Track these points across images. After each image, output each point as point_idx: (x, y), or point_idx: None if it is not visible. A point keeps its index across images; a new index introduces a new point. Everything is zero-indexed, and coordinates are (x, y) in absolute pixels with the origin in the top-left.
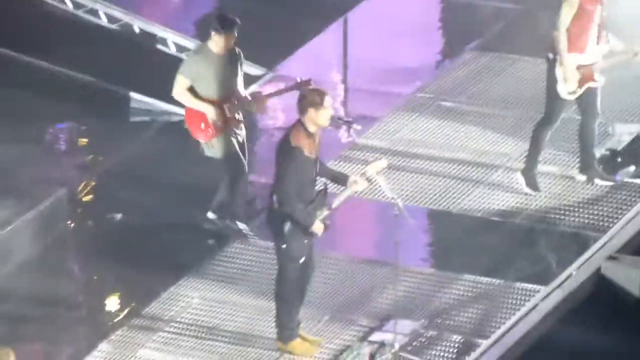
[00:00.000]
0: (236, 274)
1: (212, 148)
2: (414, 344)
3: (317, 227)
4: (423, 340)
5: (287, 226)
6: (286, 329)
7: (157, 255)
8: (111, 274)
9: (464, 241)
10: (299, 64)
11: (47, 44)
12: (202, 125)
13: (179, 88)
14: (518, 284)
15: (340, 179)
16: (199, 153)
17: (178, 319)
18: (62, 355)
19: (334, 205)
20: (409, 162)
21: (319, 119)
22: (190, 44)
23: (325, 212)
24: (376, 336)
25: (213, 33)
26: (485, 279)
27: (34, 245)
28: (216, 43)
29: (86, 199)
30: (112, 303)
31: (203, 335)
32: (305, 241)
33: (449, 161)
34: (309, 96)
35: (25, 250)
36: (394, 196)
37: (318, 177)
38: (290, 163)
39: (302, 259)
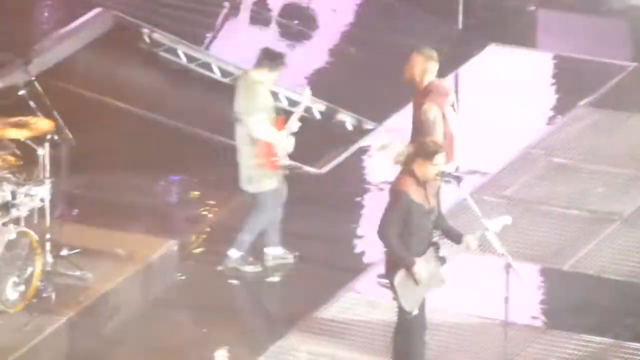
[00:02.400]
0: (345, 328)
1: (252, 184)
2: None
3: (416, 270)
4: None
5: (398, 275)
6: None
7: (266, 307)
8: (220, 327)
9: (575, 299)
10: (408, 118)
11: (162, 97)
12: (272, 156)
13: (265, 123)
14: (630, 344)
15: (454, 236)
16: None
17: None
18: None
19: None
20: (519, 217)
21: (425, 171)
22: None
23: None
24: None
25: (267, 70)
26: (597, 338)
27: (144, 298)
28: (269, 78)
29: (197, 251)
30: (222, 357)
31: None
32: (417, 292)
33: (560, 218)
34: (422, 145)
35: (136, 303)
36: (504, 252)
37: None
38: (394, 205)
39: (416, 311)
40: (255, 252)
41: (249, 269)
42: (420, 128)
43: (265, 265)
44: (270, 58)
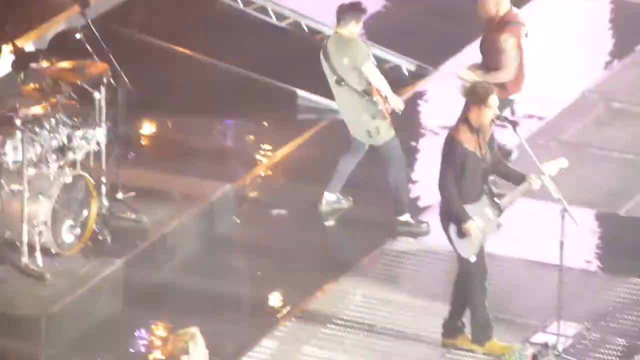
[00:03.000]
0: (399, 272)
1: (378, 135)
2: (577, 346)
3: (469, 226)
4: (586, 342)
5: (452, 225)
6: (481, 329)
7: (321, 251)
8: (275, 270)
9: (631, 243)
10: (464, 62)
11: (218, 41)
12: (386, 102)
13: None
14: None
15: (515, 177)
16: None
17: (340, 316)
18: (226, 351)
19: (504, 203)
20: (575, 162)
21: (481, 116)
22: None
23: (488, 211)
24: (539, 338)
25: (354, 22)
26: None
27: (199, 241)
28: (354, 30)
29: (252, 195)
30: (276, 299)
31: (365, 333)
32: (473, 239)
33: (617, 162)
34: (475, 92)
35: (191, 246)
36: (559, 196)
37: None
38: (449, 156)
39: (473, 258)
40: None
41: (344, 204)
42: (495, 59)
43: (320, 209)
44: (355, 10)
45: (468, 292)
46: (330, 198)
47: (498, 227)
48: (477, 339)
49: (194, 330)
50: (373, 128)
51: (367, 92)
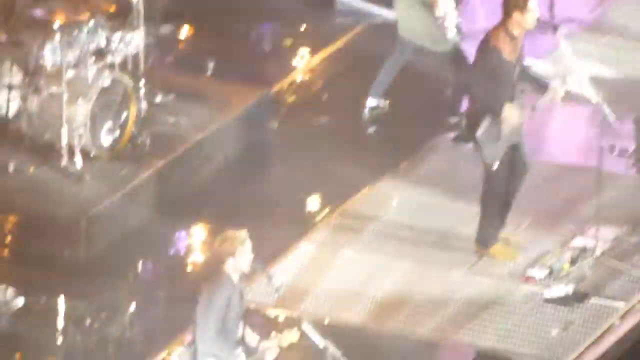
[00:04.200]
0: (437, 176)
1: (445, 37)
2: (616, 250)
3: (509, 109)
4: (626, 246)
5: (481, 128)
6: (487, 233)
7: (360, 154)
8: (313, 173)
9: None
10: None
11: None
12: None
13: None
14: None
15: (541, 85)
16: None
17: (378, 220)
18: (264, 253)
19: (534, 108)
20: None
21: (520, 21)
22: None
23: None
24: (578, 242)
25: None
26: None
27: (237, 146)
28: None
29: (290, 99)
30: (314, 202)
31: (402, 236)
32: (498, 145)
33: None
34: None
35: (229, 150)
36: (598, 99)
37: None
38: (485, 63)
39: (496, 163)
40: None
41: (385, 107)
42: None
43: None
44: None
45: (485, 194)
46: (372, 103)
47: (521, 136)
48: (483, 241)
49: (242, 233)
50: (438, 33)
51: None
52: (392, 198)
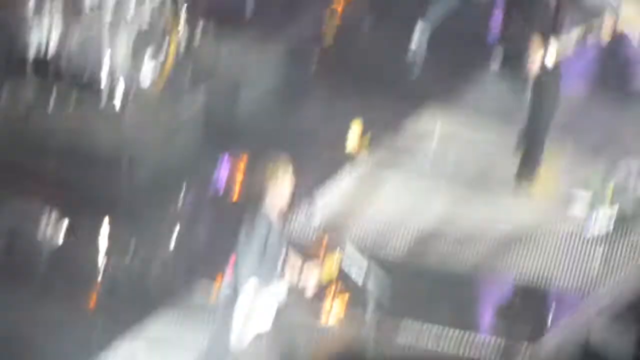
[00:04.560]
0: (479, 109)
1: None
2: None
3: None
4: None
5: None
6: (528, 167)
7: (403, 86)
8: (356, 105)
9: None
10: None
11: None
12: None
13: None
14: None
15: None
16: None
17: (420, 152)
18: (306, 184)
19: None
20: None
21: None
22: None
23: None
24: (620, 176)
25: None
26: None
27: (280, 76)
28: None
29: (334, 29)
30: (356, 134)
31: (444, 168)
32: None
33: None
34: None
35: (271, 81)
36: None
37: None
38: None
39: (536, 96)
40: None
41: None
42: None
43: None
44: None
45: (525, 128)
46: (418, 37)
47: None
48: (523, 175)
49: (284, 163)
50: None
51: None
52: (434, 131)
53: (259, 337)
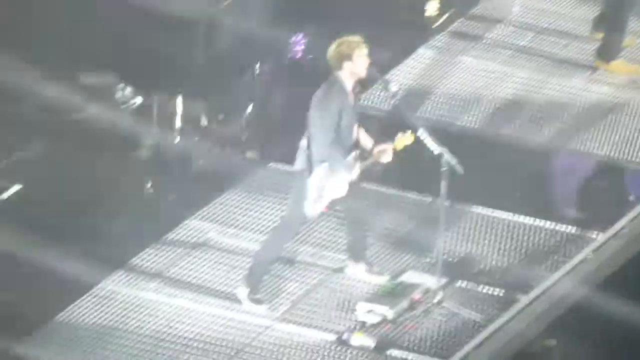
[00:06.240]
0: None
1: None
2: None
3: None
4: None
5: None
6: (608, 47)
7: None
8: None
9: None
10: None
11: None
12: None
13: None
14: None
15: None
16: None
17: (498, 26)
18: (382, 59)
19: None
20: None
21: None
22: None
23: None
24: None
25: None
26: None
27: None
28: None
29: None
30: (433, 7)
31: (522, 43)
32: None
33: None
34: None
35: None
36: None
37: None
38: None
39: None
40: None
41: None
42: None
43: None
44: None
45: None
46: None
47: None
48: (603, 54)
49: (358, 37)
50: None
51: None
52: (513, 4)
53: (332, 204)
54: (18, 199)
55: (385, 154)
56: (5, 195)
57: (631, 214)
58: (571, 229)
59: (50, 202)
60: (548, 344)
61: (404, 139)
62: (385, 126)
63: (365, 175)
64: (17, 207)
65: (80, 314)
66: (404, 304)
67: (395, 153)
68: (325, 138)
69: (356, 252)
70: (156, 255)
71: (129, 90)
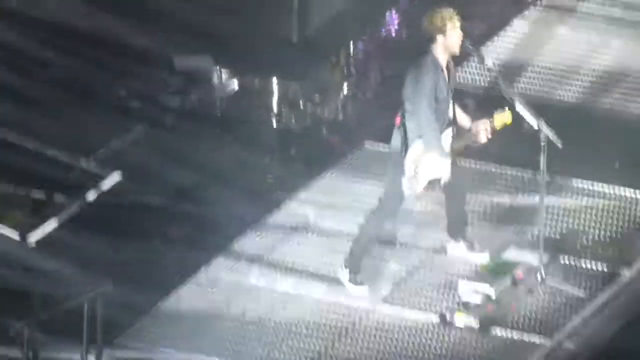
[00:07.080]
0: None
1: None
2: None
3: None
4: None
5: None
6: None
7: None
8: None
9: None
10: None
11: None
12: None
13: None
14: None
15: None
16: None
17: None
18: (476, 32)
19: None
20: None
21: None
22: None
23: None
24: None
25: None
26: None
27: None
28: None
29: None
30: None
31: (615, 13)
32: None
33: None
34: None
35: None
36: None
37: None
38: None
39: None
40: None
41: None
42: None
43: None
44: None
45: None
46: None
47: None
48: None
49: (451, 10)
50: None
51: None
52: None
53: (431, 183)
54: (118, 187)
55: (483, 133)
56: (106, 183)
57: None
58: None
59: (149, 189)
60: None
61: (503, 118)
62: (481, 102)
63: (462, 153)
64: (117, 195)
65: (183, 301)
66: (507, 282)
67: (494, 130)
68: (420, 114)
69: (456, 231)
70: (256, 240)
71: (225, 73)
